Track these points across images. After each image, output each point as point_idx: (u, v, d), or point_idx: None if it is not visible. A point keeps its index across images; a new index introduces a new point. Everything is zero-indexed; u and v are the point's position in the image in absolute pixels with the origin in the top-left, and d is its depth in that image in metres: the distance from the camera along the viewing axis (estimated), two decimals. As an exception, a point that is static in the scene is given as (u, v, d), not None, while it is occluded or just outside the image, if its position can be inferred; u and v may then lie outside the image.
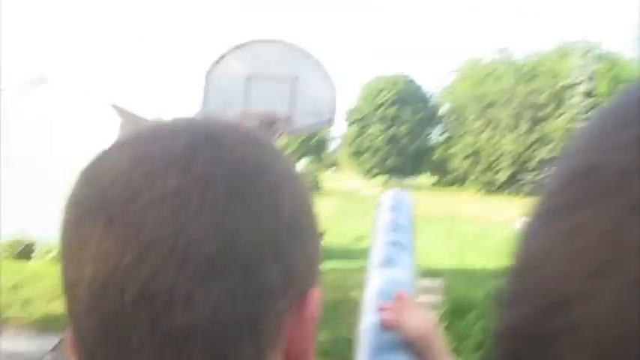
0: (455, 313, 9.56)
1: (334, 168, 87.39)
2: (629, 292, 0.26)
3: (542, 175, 49.17)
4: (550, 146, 55.18)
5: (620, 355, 0.27)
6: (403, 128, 61.05)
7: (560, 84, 57.42)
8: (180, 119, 0.58)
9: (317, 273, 0.60)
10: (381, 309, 0.96)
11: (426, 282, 9.81)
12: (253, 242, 0.51)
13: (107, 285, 0.50)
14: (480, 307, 10.55)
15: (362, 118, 62.89)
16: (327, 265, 16.53)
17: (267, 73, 9.64)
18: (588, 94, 55.49)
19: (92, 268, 0.50)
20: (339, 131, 77.38)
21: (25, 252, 13.33)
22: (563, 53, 62.37)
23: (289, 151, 67.64)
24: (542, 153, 55.27)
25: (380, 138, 61.50)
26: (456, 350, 9.73)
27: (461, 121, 60.53)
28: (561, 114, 56.50)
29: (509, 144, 55.86)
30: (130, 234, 0.49)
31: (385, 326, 0.94)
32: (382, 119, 61.42)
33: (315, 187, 56.77)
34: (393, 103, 61.18)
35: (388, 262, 1.03)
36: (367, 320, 0.95)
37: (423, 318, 0.98)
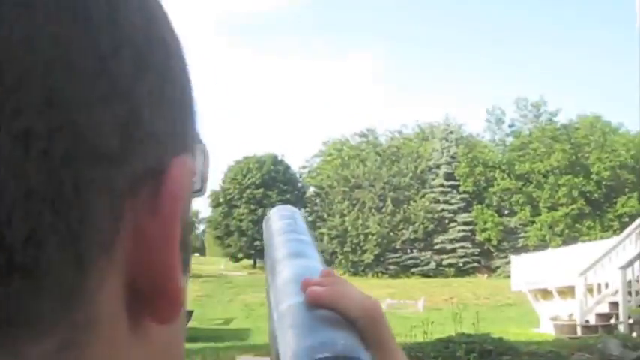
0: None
1: (199, 252, 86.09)
2: None
3: (406, 256, 50.01)
4: (414, 227, 56.33)
5: None
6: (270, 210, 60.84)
7: (422, 166, 59.11)
8: None
9: (187, 141, 0.38)
10: (306, 284, 0.66)
11: None
12: (65, 62, 0.30)
13: None
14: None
15: (228, 200, 62.38)
16: (195, 347, 15.88)
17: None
18: (449, 175, 57.28)
19: None
20: (204, 213, 76.64)
21: None
22: (424, 136, 64.52)
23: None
24: (407, 234, 56.30)
25: (247, 220, 61.05)
26: None
27: (327, 203, 60.99)
28: (424, 195, 57.96)
29: (374, 225, 56.58)
30: None
31: (316, 303, 0.64)
32: (249, 201, 61.09)
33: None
34: (260, 185, 61.07)
35: (296, 254, 0.83)
36: (286, 304, 0.66)
37: (361, 292, 0.69)
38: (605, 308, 17.93)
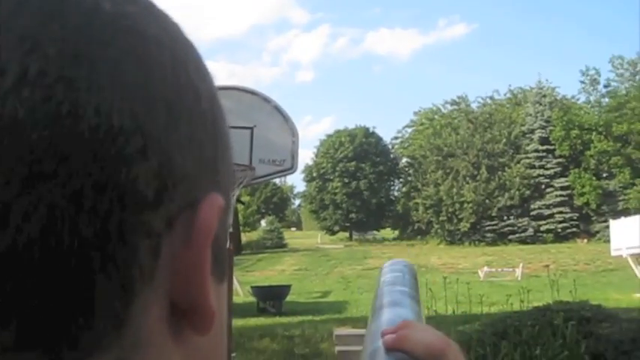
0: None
1: (296, 226, 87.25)
2: None
3: (502, 223, 49.54)
4: (509, 194, 55.64)
5: None
6: (364, 182, 61.18)
7: (516, 131, 58.18)
8: None
9: (219, 176, 0.45)
10: (384, 333, 0.81)
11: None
12: (106, 128, 0.36)
13: None
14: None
15: (322, 174, 62.96)
16: (294, 320, 16.33)
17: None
18: (544, 139, 56.20)
19: None
20: (299, 188, 77.61)
21: None
22: (517, 101, 63.39)
23: (251, 210, 67.24)
24: (502, 201, 55.67)
25: (341, 193, 61.53)
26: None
27: (421, 173, 60.81)
28: (518, 161, 57.12)
29: (469, 193, 56.16)
30: None
31: (388, 347, 0.77)
32: (342, 174, 61.50)
33: (279, 245, 56.52)
34: (352, 157, 61.37)
35: (392, 303, 0.95)
36: (370, 348, 0.81)
37: (434, 333, 0.81)
38: None
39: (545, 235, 53.87)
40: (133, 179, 0.37)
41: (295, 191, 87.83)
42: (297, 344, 13.23)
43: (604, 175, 54.76)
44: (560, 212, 54.41)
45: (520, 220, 55.57)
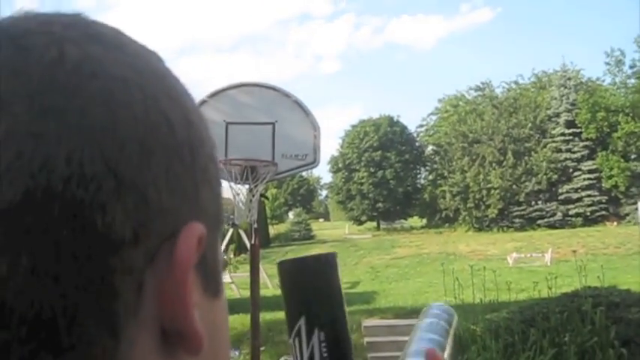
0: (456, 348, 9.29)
1: (323, 217, 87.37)
2: None
3: (531, 208, 49.11)
4: (537, 178, 55.29)
5: None
6: (390, 171, 61.10)
7: (542, 115, 57.73)
8: None
9: (199, 202, 0.45)
10: None
11: (425, 320, 9.55)
12: (78, 177, 0.37)
13: None
14: (479, 342, 10.32)
15: (348, 165, 62.97)
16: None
17: (246, 118, 9.48)
18: (570, 123, 55.74)
19: None
20: (325, 179, 77.64)
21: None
22: (541, 84, 62.84)
23: (278, 202, 67.47)
24: (530, 186, 55.34)
25: (367, 183, 61.51)
26: (462, 388, 9.47)
27: (447, 160, 60.59)
28: (545, 145, 56.71)
29: (496, 179, 55.89)
30: None
31: None
32: (368, 164, 61.47)
33: (307, 236, 56.65)
34: (378, 147, 61.31)
35: (418, 353, 1.01)
36: None
37: None
38: None
39: (574, 219, 53.45)
40: (108, 223, 0.38)
41: (322, 182, 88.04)
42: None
43: (632, 156, 54.11)
44: (589, 195, 53.96)
45: (548, 204, 55.21)
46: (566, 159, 55.72)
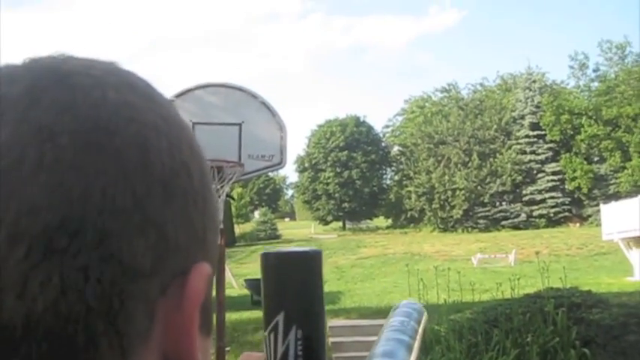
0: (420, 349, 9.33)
1: (289, 217, 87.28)
2: None
3: (495, 209, 49.51)
4: (501, 180, 55.74)
5: None
6: (356, 172, 61.19)
7: (507, 117, 58.23)
8: (29, 59, 0.48)
9: (206, 245, 0.50)
10: None
11: (390, 320, 9.58)
12: (110, 208, 0.41)
13: None
14: (443, 342, 10.39)
15: (314, 164, 62.94)
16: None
17: (212, 119, 9.45)
18: (534, 125, 56.29)
19: None
20: (292, 179, 77.54)
21: None
22: (507, 87, 63.40)
23: (244, 202, 67.10)
24: (494, 187, 55.77)
25: (333, 183, 61.52)
26: (426, 388, 9.51)
27: (413, 161, 60.82)
28: (510, 147, 57.20)
29: (461, 180, 56.24)
30: None
31: None
32: (334, 164, 61.50)
33: (273, 236, 56.56)
34: (344, 147, 61.36)
35: (385, 354, 0.98)
36: None
37: None
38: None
39: (537, 220, 54.00)
40: (133, 253, 0.42)
41: (288, 182, 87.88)
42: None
43: (595, 159, 54.80)
44: (552, 197, 54.54)
45: (512, 205, 55.68)
46: (530, 161, 56.25)
